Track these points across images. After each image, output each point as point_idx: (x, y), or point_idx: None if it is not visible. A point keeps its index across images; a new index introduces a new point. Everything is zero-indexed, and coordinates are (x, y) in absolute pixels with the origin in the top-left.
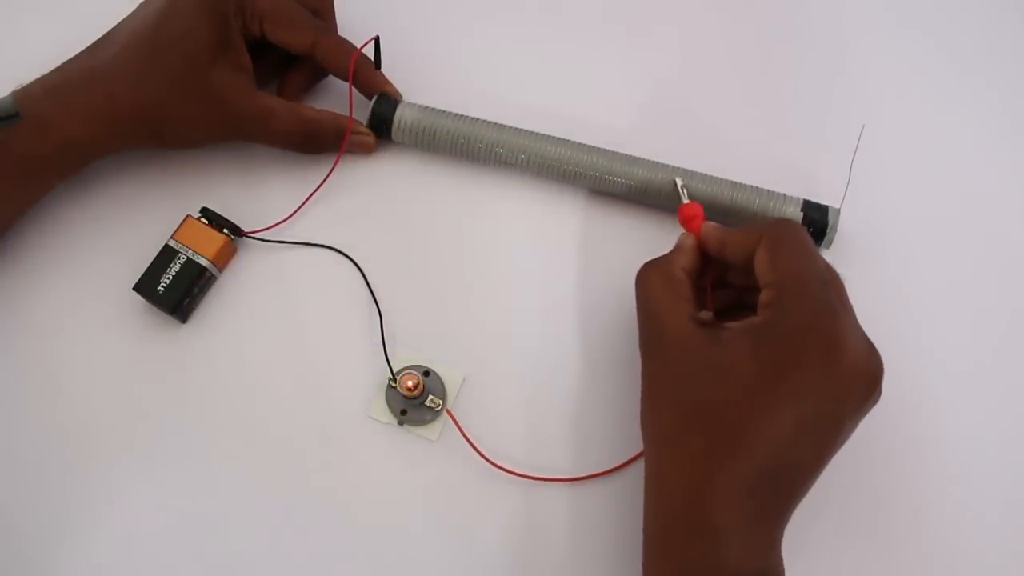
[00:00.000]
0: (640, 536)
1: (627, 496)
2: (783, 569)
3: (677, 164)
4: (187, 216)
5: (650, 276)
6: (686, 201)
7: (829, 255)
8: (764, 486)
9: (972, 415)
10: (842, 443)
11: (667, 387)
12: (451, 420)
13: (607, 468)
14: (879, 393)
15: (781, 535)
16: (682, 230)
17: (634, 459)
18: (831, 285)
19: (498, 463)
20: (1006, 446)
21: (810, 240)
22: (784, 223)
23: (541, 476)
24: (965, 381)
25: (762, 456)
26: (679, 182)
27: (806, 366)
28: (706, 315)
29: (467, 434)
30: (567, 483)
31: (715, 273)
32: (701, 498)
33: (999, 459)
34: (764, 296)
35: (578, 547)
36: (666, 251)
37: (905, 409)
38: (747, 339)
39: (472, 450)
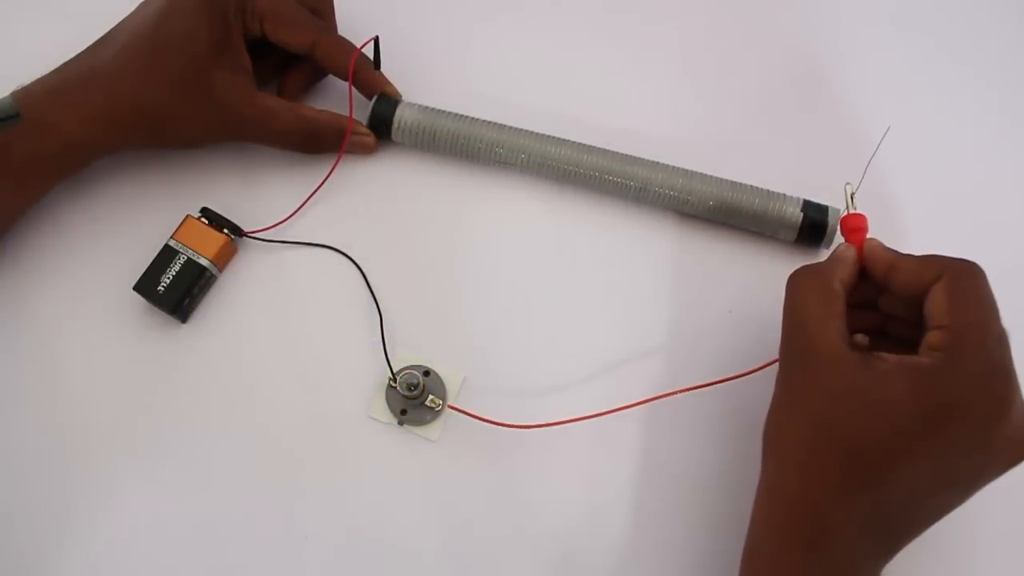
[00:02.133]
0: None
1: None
2: None
3: (677, 164)
4: (187, 216)
5: (805, 283)
6: (853, 210)
7: (829, 255)
8: (886, 526)
9: None
10: (968, 498)
11: (808, 404)
12: (455, 413)
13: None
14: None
15: (880, 573)
16: (842, 240)
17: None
18: (1006, 345)
19: (495, 465)
20: None
21: (992, 291)
22: (969, 265)
23: (560, 420)
24: None
25: (895, 498)
26: (849, 189)
27: (967, 421)
28: (862, 339)
29: (466, 429)
30: (566, 475)
31: (864, 292)
32: (824, 523)
33: None
34: (935, 338)
35: (577, 545)
36: (662, 253)
37: None
38: (908, 377)
39: (473, 450)
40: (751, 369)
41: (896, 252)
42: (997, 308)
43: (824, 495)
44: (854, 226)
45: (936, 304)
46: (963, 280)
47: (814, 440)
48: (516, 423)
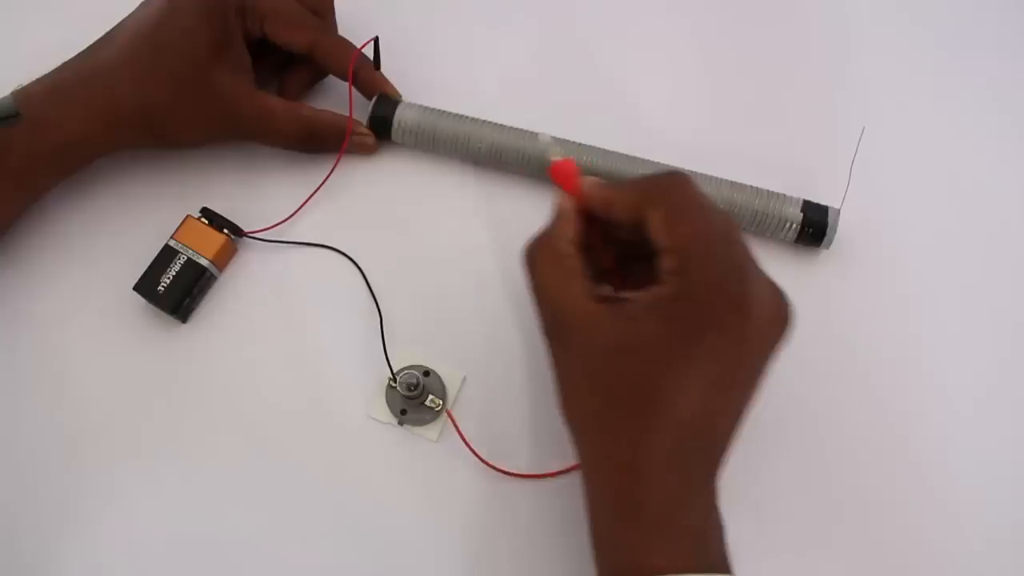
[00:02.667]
0: None
1: None
2: (722, 522)
3: (677, 165)
4: (187, 216)
5: (536, 257)
6: (558, 159)
7: (829, 256)
8: (692, 451)
9: (972, 416)
10: (760, 387)
11: (579, 373)
12: (454, 413)
13: None
14: (791, 334)
15: (716, 488)
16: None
17: None
18: (733, 240)
19: (496, 465)
20: (1007, 445)
21: (703, 193)
22: (674, 179)
23: (537, 474)
24: (966, 382)
25: (687, 420)
26: (547, 138)
27: (720, 329)
28: (605, 290)
29: (465, 436)
30: (565, 478)
31: (600, 231)
32: (637, 474)
33: (1000, 457)
34: (666, 263)
35: (579, 545)
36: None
37: (904, 410)
38: (656, 313)
39: (471, 451)
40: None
41: (611, 186)
42: (711, 209)
43: (624, 448)
44: (564, 173)
45: (656, 230)
46: (673, 196)
47: (597, 402)
48: (509, 469)
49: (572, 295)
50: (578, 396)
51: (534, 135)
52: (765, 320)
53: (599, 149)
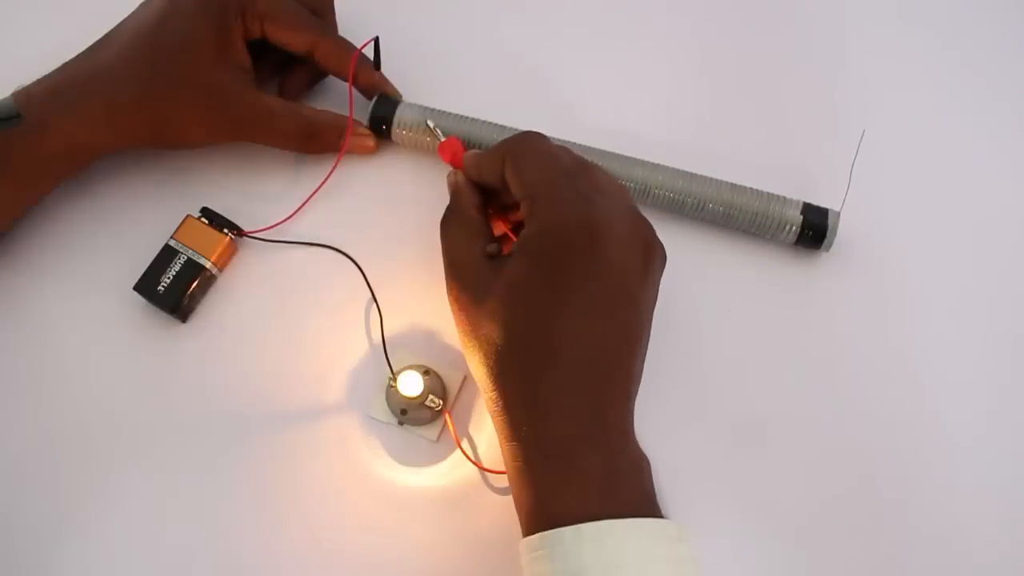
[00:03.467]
0: None
1: None
2: (645, 459)
3: (677, 166)
4: (187, 216)
5: (447, 226)
6: (442, 139)
7: (829, 258)
8: (588, 382)
9: (971, 417)
10: (646, 313)
11: (472, 328)
12: (454, 413)
13: None
14: (661, 254)
15: (630, 423)
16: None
17: None
18: (578, 176)
19: (493, 468)
20: (1006, 446)
21: (548, 143)
22: (521, 135)
23: None
24: (965, 383)
25: (572, 355)
26: (431, 123)
27: (574, 257)
28: (491, 247)
29: (466, 436)
30: None
31: (498, 199)
32: (536, 417)
33: (999, 460)
34: (523, 209)
35: None
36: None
37: (904, 412)
38: (520, 255)
39: (472, 450)
40: None
41: (480, 154)
42: (557, 153)
43: (522, 394)
44: (448, 150)
45: (511, 182)
46: (517, 150)
47: (491, 353)
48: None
49: (470, 252)
50: (476, 351)
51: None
52: (621, 244)
53: (599, 150)
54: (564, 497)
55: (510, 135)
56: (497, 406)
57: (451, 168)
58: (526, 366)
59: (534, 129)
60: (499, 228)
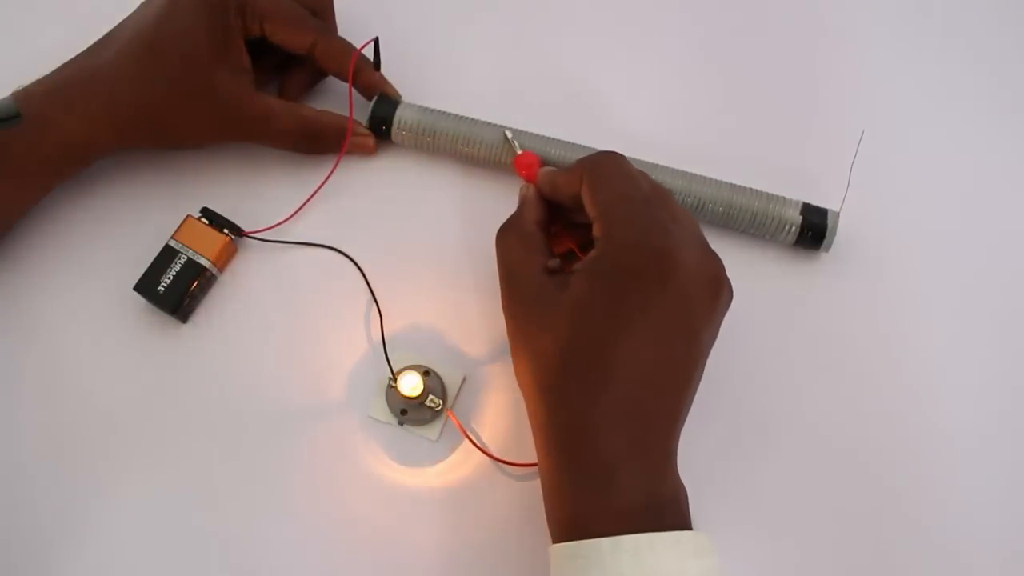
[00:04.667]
0: None
1: None
2: (683, 492)
3: (677, 166)
4: (187, 216)
5: (505, 237)
6: (519, 152)
7: (829, 258)
8: (637, 411)
9: (972, 416)
10: (704, 352)
11: (529, 342)
12: (452, 420)
13: None
14: (728, 294)
15: (672, 457)
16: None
17: None
18: (655, 203)
19: (501, 458)
20: (1008, 444)
21: (628, 165)
22: (601, 155)
23: (531, 463)
24: (965, 383)
25: (626, 383)
26: (509, 134)
27: (643, 284)
28: (553, 263)
29: (467, 432)
30: None
31: (565, 216)
32: (580, 437)
33: (999, 459)
34: (595, 229)
35: None
36: None
37: (904, 412)
38: (587, 275)
39: (473, 449)
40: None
41: (557, 171)
42: (634, 177)
43: (569, 412)
44: (526, 164)
45: (587, 200)
46: (597, 169)
47: (543, 369)
48: (512, 459)
49: (529, 269)
50: (526, 363)
51: (534, 136)
52: (692, 277)
53: (596, 150)
54: (602, 517)
55: (568, 148)
56: (541, 419)
57: (524, 182)
58: (579, 385)
59: (533, 129)
60: (563, 245)
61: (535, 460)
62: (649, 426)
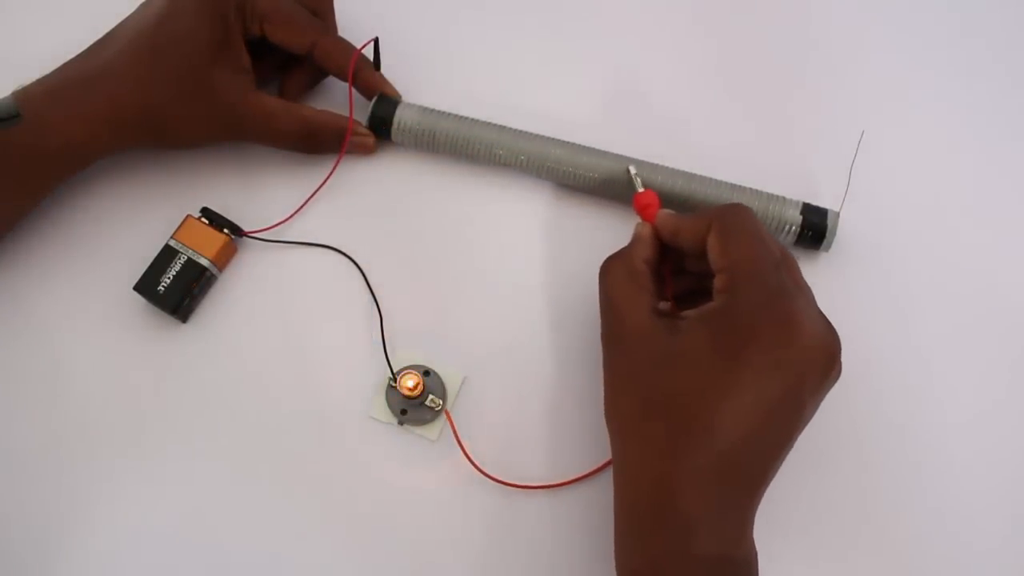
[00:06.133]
0: None
1: None
2: (755, 555)
3: (677, 167)
4: (187, 216)
5: (612, 269)
6: (640, 190)
7: (829, 258)
8: (729, 471)
9: (971, 418)
10: (804, 423)
11: (628, 378)
12: (454, 413)
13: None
14: (838, 371)
15: (751, 520)
16: (639, 219)
17: None
18: (784, 267)
19: (496, 467)
20: (1007, 446)
21: (760, 223)
22: (734, 208)
23: (526, 484)
24: (966, 383)
25: (725, 440)
26: (632, 170)
27: (762, 347)
28: (665, 305)
29: (465, 436)
30: (567, 487)
31: (674, 261)
32: (667, 487)
33: (997, 460)
34: (718, 282)
35: (578, 550)
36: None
37: (904, 412)
38: (703, 325)
39: (472, 450)
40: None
41: (680, 216)
42: (766, 237)
43: (661, 460)
44: (645, 203)
45: (712, 251)
46: (728, 222)
47: (640, 411)
48: (507, 473)
49: (636, 307)
50: (621, 400)
51: (534, 136)
52: (810, 348)
53: (598, 150)
54: (677, 569)
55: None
56: (627, 460)
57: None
58: (678, 434)
59: (533, 130)
60: (667, 290)
61: (531, 470)
62: (738, 487)
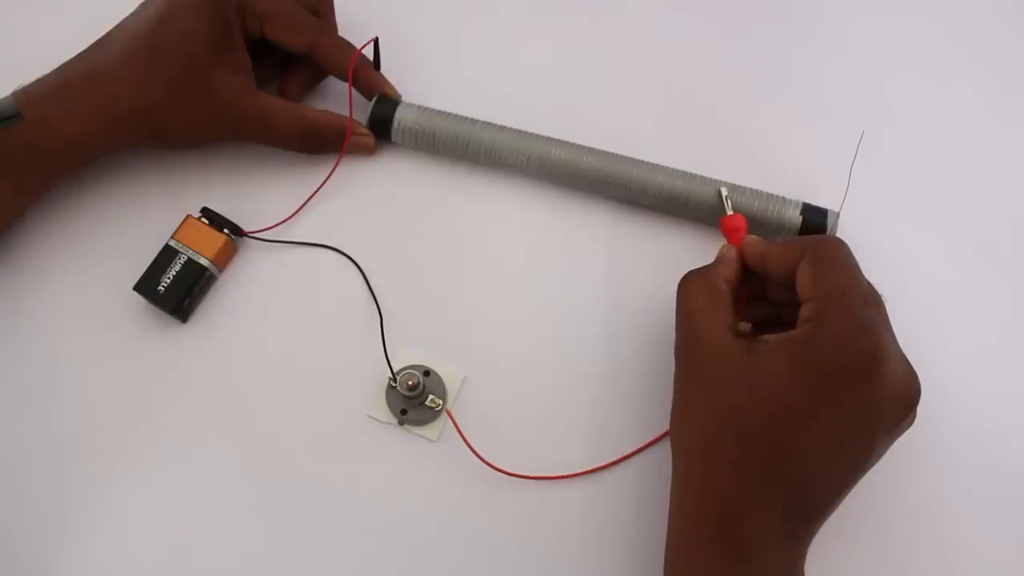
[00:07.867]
0: (640, 530)
1: (629, 492)
2: None
3: (677, 166)
4: (187, 216)
5: (692, 285)
6: (730, 212)
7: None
8: (795, 501)
9: (972, 416)
10: (873, 463)
11: (702, 395)
12: (454, 413)
13: (607, 463)
14: (913, 418)
15: (805, 551)
16: (724, 240)
17: (632, 455)
18: (873, 304)
19: (496, 465)
20: (1007, 446)
21: (854, 258)
22: (828, 239)
23: (540, 475)
24: (966, 383)
25: (797, 472)
26: (724, 192)
27: (845, 382)
28: (744, 327)
29: (465, 436)
30: (567, 481)
31: (753, 287)
32: (734, 509)
33: (1000, 460)
34: (805, 311)
35: (578, 546)
36: (663, 255)
37: None
38: (785, 352)
39: (472, 451)
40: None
41: (769, 242)
42: (858, 272)
43: (727, 479)
44: (733, 227)
45: (802, 280)
46: (822, 252)
47: (712, 427)
48: (508, 469)
49: (715, 324)
50: (693, 417)
51: (534, 136)
52: (891, 388)
53: (599, 151)
54: None
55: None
56: (692, 480)
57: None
58: (750, 458)
59: (534, 130)
60: (741, 313)
61: (531, 470)
62: (801, 517)
